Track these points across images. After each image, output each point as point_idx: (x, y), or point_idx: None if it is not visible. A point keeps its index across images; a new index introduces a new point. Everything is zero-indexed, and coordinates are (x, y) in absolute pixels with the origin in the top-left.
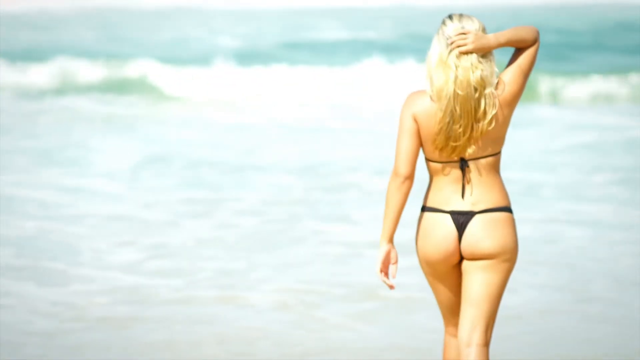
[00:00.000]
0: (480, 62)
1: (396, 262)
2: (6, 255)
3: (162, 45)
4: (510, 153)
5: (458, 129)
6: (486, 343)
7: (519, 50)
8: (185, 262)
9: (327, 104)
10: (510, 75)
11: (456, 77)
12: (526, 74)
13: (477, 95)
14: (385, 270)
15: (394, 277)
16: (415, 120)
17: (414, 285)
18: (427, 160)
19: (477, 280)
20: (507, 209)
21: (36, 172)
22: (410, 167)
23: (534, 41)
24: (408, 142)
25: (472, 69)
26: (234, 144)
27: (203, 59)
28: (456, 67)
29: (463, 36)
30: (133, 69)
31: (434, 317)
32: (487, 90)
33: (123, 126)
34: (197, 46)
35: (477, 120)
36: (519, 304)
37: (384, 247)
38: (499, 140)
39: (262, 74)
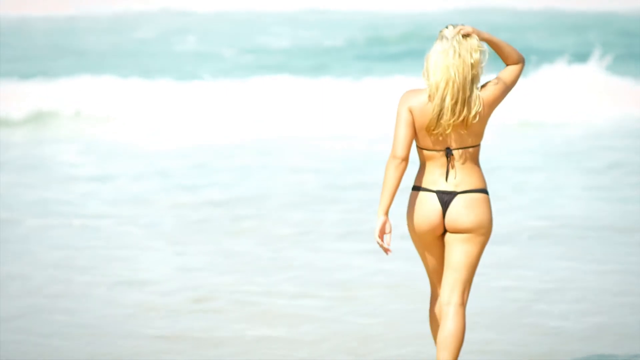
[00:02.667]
0: (479, 45)
1: (390, 231)
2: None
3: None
4: None
5: (450, 104)
6: (462, 303)
7: (506, 68)
8: (267, 263)
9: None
10: (495, 84)
11: (455, 63)
12: (508, 87)
13: (474, 74)
14: (382, 237)
15: (388, 244)
16: (411, 113)
17: None
18: (419, 148)
19: (457, 250)
20: (484, 191)
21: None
22: (406, 150)
23: (517, 62)
24: (404, 130)
25: (473, 49)
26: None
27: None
28: (456, 54)
29: (462, 26)
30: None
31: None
32: (477, 72)
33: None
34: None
35: (465, 100)
36: None
37: (382, 219)
38: (479, 134)
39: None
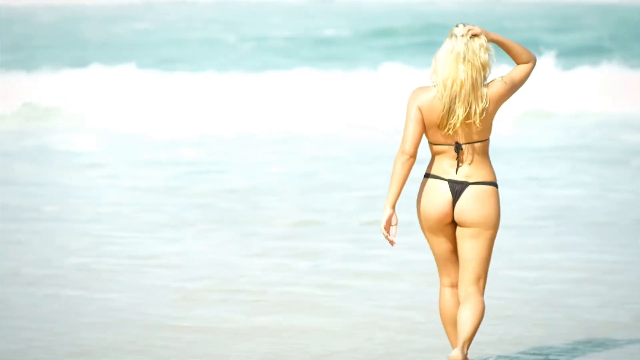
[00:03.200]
0: (487, 47)
1: (396, 224)
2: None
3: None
4: None
5: (457, 102)
6: (479, 292)
7: (517, 66)
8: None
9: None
10: (502, 82)
11: (462, 63)
12: (516, 86)
13: (483, 74)
14: (388, 229)
15: (394, 236)
16: (420, 111)
17: None
18: (430, 143)
19: (467, 247)
20: (494, 184)
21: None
22: (414, 147)
23: (528, 61)
24: (414, 128)
25: (482, 50)
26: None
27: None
28: (465, 53)
29: (471, 26)
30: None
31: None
32: (485, 72)
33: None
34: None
35: (476, 99)
36: None
37: (388, 211)
38: (486, 129)
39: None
